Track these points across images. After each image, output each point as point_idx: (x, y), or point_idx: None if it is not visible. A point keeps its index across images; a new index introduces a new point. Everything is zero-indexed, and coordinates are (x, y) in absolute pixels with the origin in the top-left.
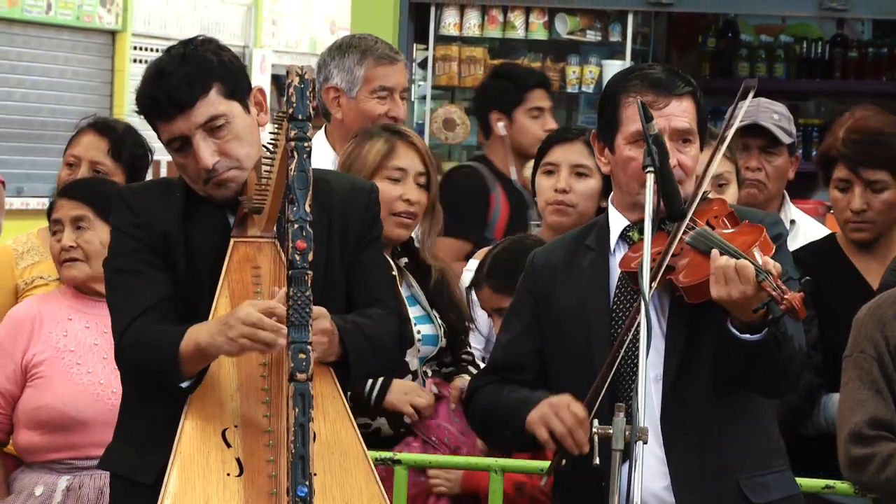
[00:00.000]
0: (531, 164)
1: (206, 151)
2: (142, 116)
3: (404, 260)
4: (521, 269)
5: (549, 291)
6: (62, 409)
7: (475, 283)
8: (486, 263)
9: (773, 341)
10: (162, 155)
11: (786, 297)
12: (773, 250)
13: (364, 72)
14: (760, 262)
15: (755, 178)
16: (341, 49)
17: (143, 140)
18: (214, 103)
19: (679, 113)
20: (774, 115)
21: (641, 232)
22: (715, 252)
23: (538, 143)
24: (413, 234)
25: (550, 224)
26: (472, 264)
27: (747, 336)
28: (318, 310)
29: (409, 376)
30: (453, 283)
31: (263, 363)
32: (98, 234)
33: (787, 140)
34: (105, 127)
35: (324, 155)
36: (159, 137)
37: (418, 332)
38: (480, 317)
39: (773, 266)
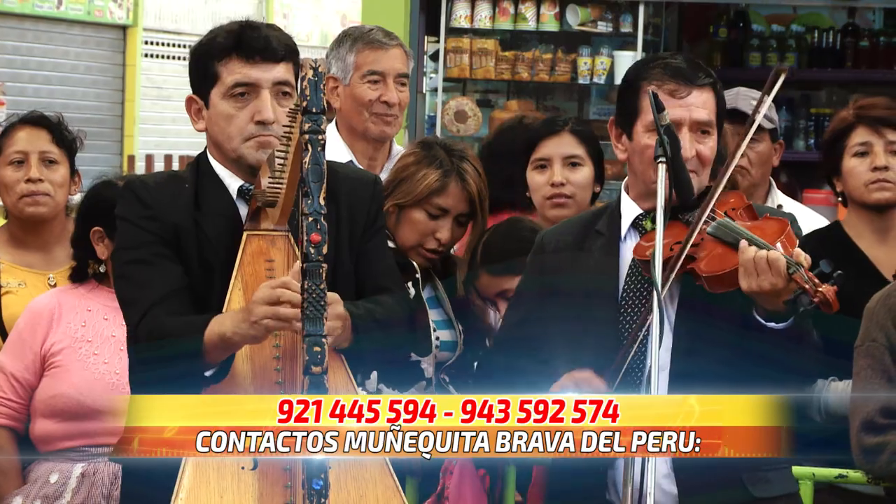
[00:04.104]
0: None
1: (271, 106)
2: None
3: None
4: (514, 249)
5: (557, 273)
6: (78, 397)
7: (471, 277)
8: (478, 252)
9: (799, 331)
10: (174, 149)
11: (819, 289)
12: (798, 244)
13: (355, 58)
14: (793, 254)
15: (738, 164)
16: (338, 40)
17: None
18: (289, 74)
19: (699, 104)
20: (753, 100)
21: (654, 221)
22: (744, 244)
23: None
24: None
25: (550, 218)
26: None
27: (773, 324)
28: (331, 295)
29: (423, 383)
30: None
31: (277, 356)
32: None
33: (768, 126)
34: (40, 118)
35: (336, 147)
36: (214, 82)
37: (437, 337)
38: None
39: (805, 258)
